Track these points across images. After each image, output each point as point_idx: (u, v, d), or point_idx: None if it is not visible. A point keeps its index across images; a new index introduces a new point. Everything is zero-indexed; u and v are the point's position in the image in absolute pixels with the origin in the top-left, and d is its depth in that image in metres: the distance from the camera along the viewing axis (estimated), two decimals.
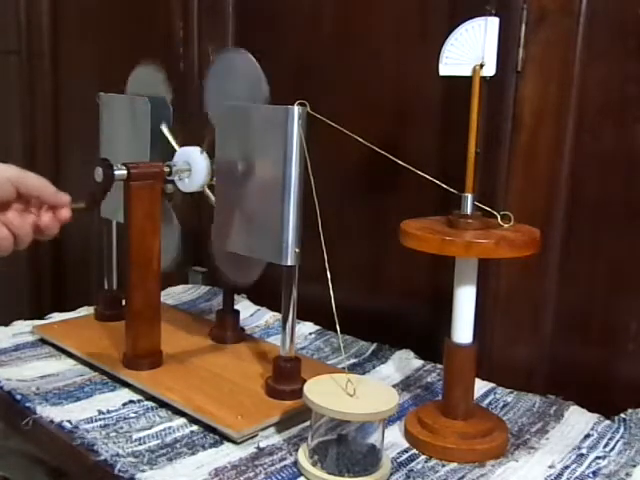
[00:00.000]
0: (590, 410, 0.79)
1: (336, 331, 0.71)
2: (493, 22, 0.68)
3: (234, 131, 0.79)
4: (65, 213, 0.66)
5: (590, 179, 0.82)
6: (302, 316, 0.85)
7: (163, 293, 0.86)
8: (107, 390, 0.80)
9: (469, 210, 0.70)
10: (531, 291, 0.87)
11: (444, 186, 0.72)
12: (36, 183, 0.65)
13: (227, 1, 1.14)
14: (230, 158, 0.80)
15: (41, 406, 0.75)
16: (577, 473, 0.67)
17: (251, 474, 0.65)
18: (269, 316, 1.07)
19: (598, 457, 0.70)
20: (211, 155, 0.83)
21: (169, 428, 0.72)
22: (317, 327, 1.02)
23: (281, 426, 0.73)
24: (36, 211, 0.66)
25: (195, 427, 0.73)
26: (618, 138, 0.79)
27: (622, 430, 0.75)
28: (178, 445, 0.69)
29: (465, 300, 0.71)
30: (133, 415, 0.75)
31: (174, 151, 0.85)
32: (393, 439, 0.72)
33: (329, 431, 0.65)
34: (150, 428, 0.72)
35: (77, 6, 1.44)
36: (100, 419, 0.73)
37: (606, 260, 0.82)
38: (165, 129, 0.88)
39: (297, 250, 0.75)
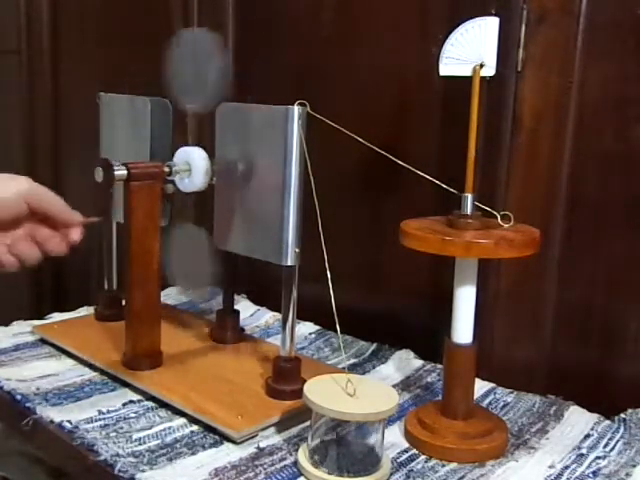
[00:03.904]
0: (590, 410, 0.79)
1: (336, 331, 0.71)
2: (493, 22, 0.68)
3: (234, 131, 0.79)
4: (76, 234, 0.64)
5: (590, 179, 0.82)
6: (302, 316, 0.85)
7: (163, 293, 0.86)
8: (107, 390, 0.80)
9: (469, 210, 0.70)
10: (531, 291, 0.87)
11: (444, 186, 0.72)
12: (49, 200, 0.63)
13: (227, 1, 1.14)
14: (230, 158, 0.80)
15: (41, 406, 0.75)
16: (577, 473, 0.67)
17: (251, 474, 0.65)
18: (269, 316, 1.07)
19: (598, 457, 0.70)
20: (211, 155, 0.83)
21: (169, 428, 0.72)
22: (317, 327, 1.02)
23: (281, 426, 0.73)
24: (45, 229, 0.64)
25: (195, 427, 0.73)
26: (618, 138, 0.79)
27: (622, 430, 0.75)
28: (178, 445, 0.69)
29: (465, 300, 0.71)
30: (133, 415, 0.75)
31: (174, 151, 0.85)
32: (393, 439, 0.72)
33: (329, 431, 0.65)
34: (150, 428, 0.72)
35: (77, 6, 1.44)
36: (100, 419, 0.73)
37: (606, 260, 0.82)
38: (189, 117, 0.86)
39: (297, 250, 0.75)
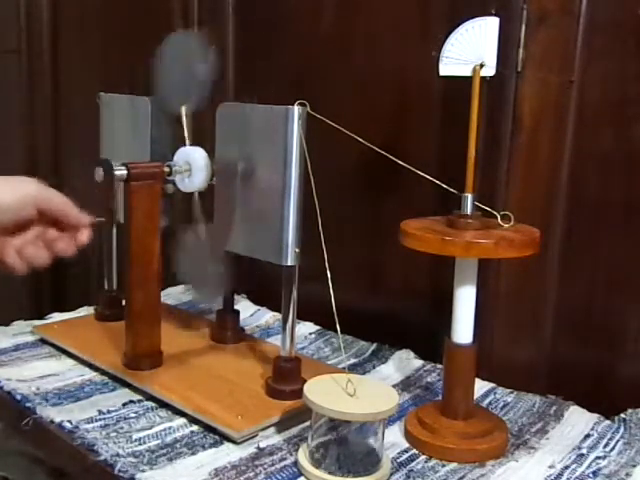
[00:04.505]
0: (590, 410, 0.79)
1: (336, 331, 0.71)
2: (493, 22, 0.68)
3: (234, 131, 0.79)
4: (85, 236, 0.64)
5: (590, 179, 0.82)
6: (302, 316, 0.85)
7: (163, 293, 0.86)
8: (107, 390, 0.80)
9: (469, 210, 0.70)
10: (531, 291, 0.87)
11: (444, 186, 0.72)
12: (58, 203, 0.63)
13: (227, 1, 1.14)
14: (230, 158, 0.80)
15: (41, 406, 0.75)
16: (577, 473, 0.67)
17: (251, 474, 0.65)
18: (269, 316, 1.07)
19: (598, 457, 0.70)
20: (211, 155, 0.83)
21: (169, 428, 0.72)
22: (317, 327, 1.02)
23: (281, 426, 0.73)
24: (54, 231, 0.64)
25: (195, 427, 0.73)
26: (618, 138, 0.79)
27: (622, 430, 0.75)
28: (178, 445, 0.69)
29: (465, 300, 0.71)
30: (133, 415, 0.75)
31: (174, 151, 0.85)
32: (393, 439, 0.72)
33: (329, 431, 0.65)
34: (150, 428, 0.72)
35: (77, 6, 1.44)
36: (100, 419, 0.73)
37: (606, 260, 0.82)
38: (184, 117, 0.86)
39: (297, 250, 0.75)
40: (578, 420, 0.77)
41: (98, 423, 0.72)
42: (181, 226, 0.84)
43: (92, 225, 0.65)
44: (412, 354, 0.93)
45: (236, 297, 0.96)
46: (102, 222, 0.69)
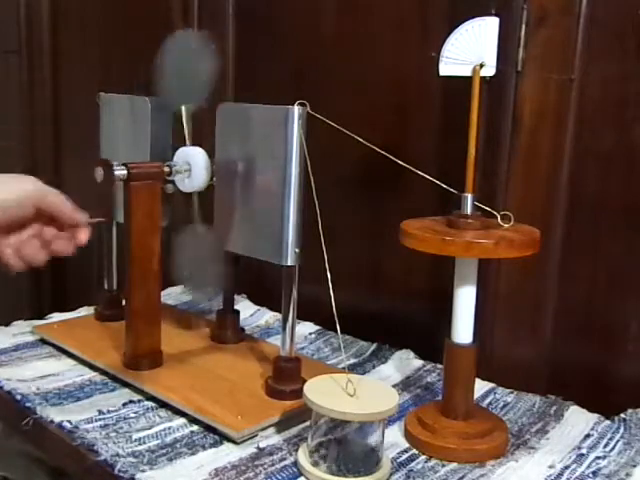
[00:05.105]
0: (590, 410, 0.79)
1: (336, 331, 0.71)
2: (493, 22, 0.68)
3: (234, 131, 0.80)
4: (83, 235, 0.64)
5: (590, 179, 0.82)
6: (302, 316, 0.85)
7: (163, 293, 0.86)
8: (107, 390, 0.80)
9: (469, 210, 0.70)
10: (531, 291, 0.87)
11: (444, 186, 0.72)
12: (55, 201, 0.62)
13: (227, 1, 1.14)
14: (230, 158, 0.80)
15: (41, 406, 0.75)
16: (577, 473, 0.67)
17: (251, 474, 0.65)
18: (269, 316, 1.07)
19: (598, 457, 0.70)
20: (211, 155, 0.83)
21: (169, 428, 0.72)
22: (317, 327, 1.02)
23: (281, 426, 0.73)
24: (52, 229, 0.63)
25: (195, 427, 0.73)
26: (618, 138, 0.79)
27: (622, 430, 0.75)
28: (178, 445, 0.69)
29: (465, 300, 0.71)
30: (133, 415, 0.75)
31: (174, 151, 0.85)
32: (393, 439, 0.72)
33: (329, 431, 0.65)
34: (150, 428, 0.72)
35: (77, 6, 1.44)
36: (100, 419, 0.73)
37: (606, 260, 0.82)
38: (185, 117, 0.85)
39: (297, 250, 0.75)
40: (578, 420, 0.77)
41: (98, 423, 0.72)
42: (180, 226, 0.84)
43: (90, 224, 0.65)
44: (412, 354, 0.93)
45: (236, 297, 0.96)
46: (101, 222, 0.68)
